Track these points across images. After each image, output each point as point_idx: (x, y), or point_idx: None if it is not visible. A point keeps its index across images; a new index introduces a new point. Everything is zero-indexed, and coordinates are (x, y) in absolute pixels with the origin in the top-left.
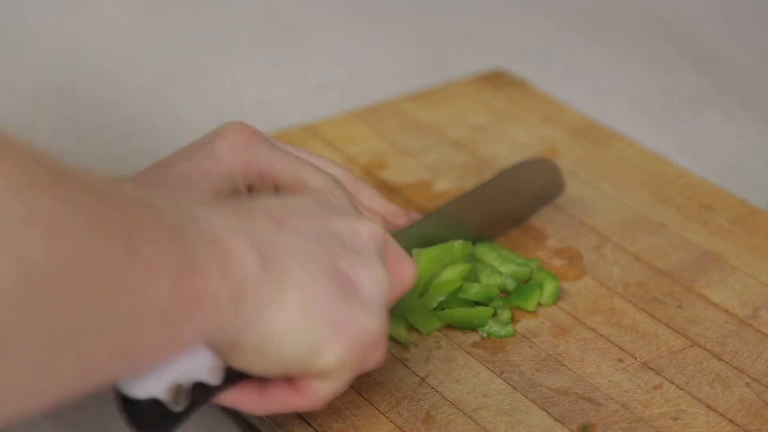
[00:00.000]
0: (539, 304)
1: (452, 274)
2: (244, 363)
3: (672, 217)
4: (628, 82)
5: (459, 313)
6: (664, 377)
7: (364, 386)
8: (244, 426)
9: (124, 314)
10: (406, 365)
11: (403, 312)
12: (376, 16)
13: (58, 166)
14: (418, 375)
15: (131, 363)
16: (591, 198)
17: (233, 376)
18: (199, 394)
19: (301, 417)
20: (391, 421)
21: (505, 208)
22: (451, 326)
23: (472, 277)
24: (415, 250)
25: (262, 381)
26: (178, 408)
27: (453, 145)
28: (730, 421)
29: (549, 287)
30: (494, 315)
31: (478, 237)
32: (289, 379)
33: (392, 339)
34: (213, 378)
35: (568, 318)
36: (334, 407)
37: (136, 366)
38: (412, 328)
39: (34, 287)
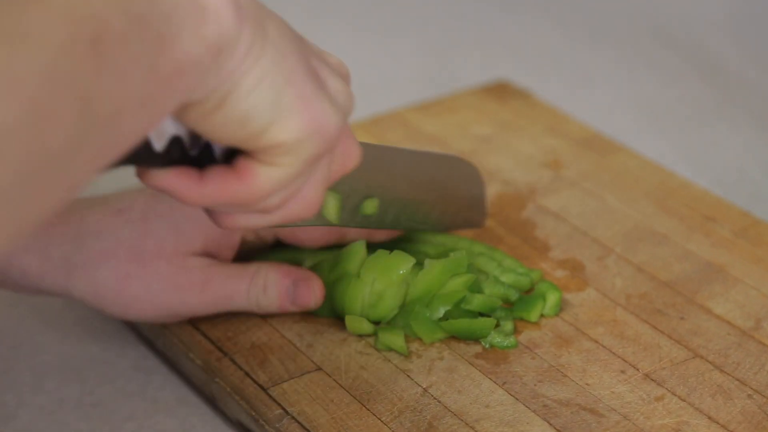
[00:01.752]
0: (542, 315)
1: (457, 284)
2: (202, 118)
3: (675, 229)
4: (633, 94)
5: (462, 323)
6: (666, 389)
7: (366, 396)
8: None
9: (101, 122)
10: (408, 376)
11: (406, 321)
12: (381, 27)
13: None
14: (420, 385)
15: (114, 156)
16: (594, 209)
17: (174, 156)
18: (140, 151)
19: (303, 426)
20: (393, 431)
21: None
22: (453, 337)
23: (475, 287)
24: (427, 261)
25: (201, 169)
26: None
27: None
28: None
29: (552, 298)
30: (497, 326)
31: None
32: (230, 166)
33: (391, 350)
34: (157, 141)
35: (570, 329)
36: (336, 417)
37: (126, 150)
38: (412, 338)
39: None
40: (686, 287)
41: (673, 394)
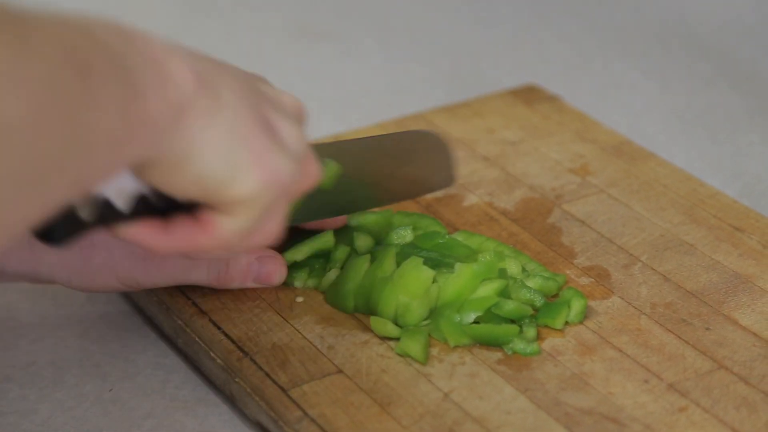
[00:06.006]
0: (566, 323)
1: (488, 290)
2: (161, 177)
3: (703, 238)
4: (663, 101)
5: (484, 329)
6: (690, 400)
7: (386, 400)
8: None
9: (81, 148)
10: (429, 380)
11: (436, 324)
12: (409, 29)
13: (17, 15)
14: (441, 390)
15: (83, 188)
16: (621, 217)
17: (140, 209)
18: (106, 213)
19: (322, 429)
20: None
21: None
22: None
23: (505, 293)
24: (457, 265)
25: (166, 219)
26: (83, 215)
27: (483, 159)
28: None
29: (576, 305)
30: (520, 332)
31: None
32: (194, 216)
33: (410, 357)
34: (123, 203)
35: (594, 337)
36: (356, 420)
37: (87, 190)
38: (434, 343)
39: (3, 138)
40: (712, 297)
41: (697, 405)
